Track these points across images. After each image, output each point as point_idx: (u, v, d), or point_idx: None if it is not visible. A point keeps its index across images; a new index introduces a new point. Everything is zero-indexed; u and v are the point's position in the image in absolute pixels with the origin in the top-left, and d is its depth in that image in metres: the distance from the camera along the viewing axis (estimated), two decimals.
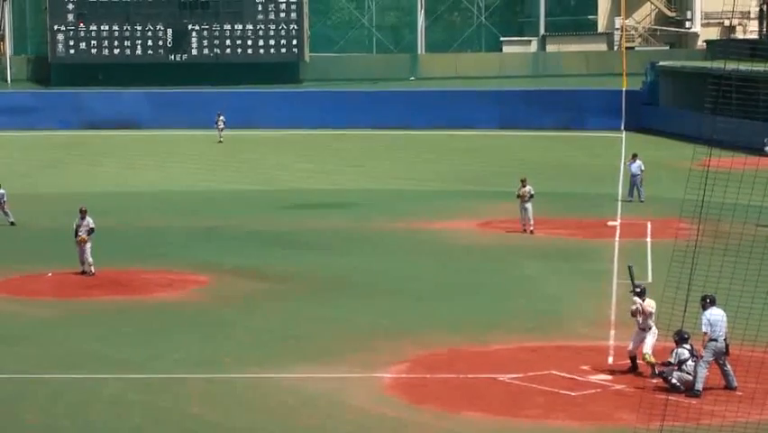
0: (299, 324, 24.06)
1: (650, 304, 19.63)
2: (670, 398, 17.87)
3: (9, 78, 79.24)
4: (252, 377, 20.12)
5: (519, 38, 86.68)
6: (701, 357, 18.47)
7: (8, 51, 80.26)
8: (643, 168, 40.94)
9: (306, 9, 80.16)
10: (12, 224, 36.23)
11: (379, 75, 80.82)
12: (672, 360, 18.69)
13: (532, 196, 34.27)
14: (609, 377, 19.85)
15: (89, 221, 28.50)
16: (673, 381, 18.61)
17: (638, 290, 19.93)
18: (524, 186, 34.37)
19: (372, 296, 26.72)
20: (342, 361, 20.99)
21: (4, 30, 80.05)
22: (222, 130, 64.02)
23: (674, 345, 18.71)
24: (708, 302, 18.53)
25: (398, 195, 44.34)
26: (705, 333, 18.41)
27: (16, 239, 34.83)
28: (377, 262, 30.97)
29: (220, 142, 63.34)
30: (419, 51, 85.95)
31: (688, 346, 18.62)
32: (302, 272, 29.34)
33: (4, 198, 36.47)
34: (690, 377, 18.50)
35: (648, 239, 33.03)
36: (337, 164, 55.22)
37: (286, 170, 52.78)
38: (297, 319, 24.45)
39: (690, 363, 18.55)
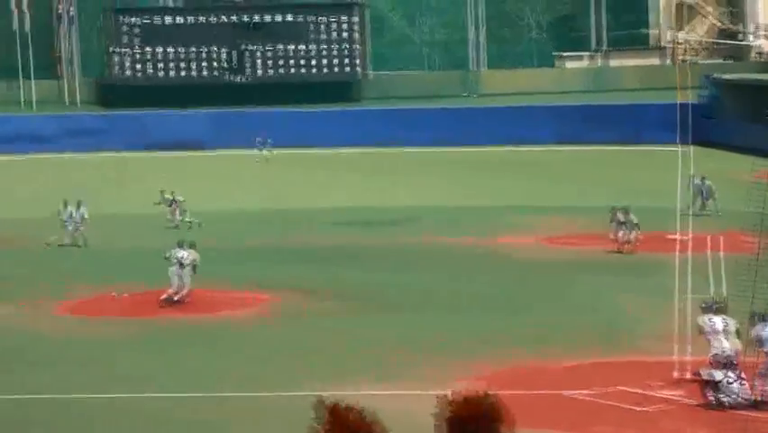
0: (361, 340, 24.25)
1: (722, 320, 19.27)
2: (749, 414, 17.65)
3: (77, 101, 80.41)
4: (320, 394, 20.26)
5: (573, 53, 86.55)
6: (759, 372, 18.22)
7: (75, 74, 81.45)
8: (709, 182, 41.19)
9: (363, 28, 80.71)
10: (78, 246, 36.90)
11: (436, 92, 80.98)
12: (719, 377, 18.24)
13: (636, 224, 34.33)
14: (680, 392, 19.66)
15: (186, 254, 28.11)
16: (724, 398, 18.22)
17: (709, 305, 19.64)
18: (626, 214, 34.47)
19: (434, 312, 26.88)
20: (408, 377, 21.13)
21: (71, 53, 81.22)
22: (264, 150, 64.91)
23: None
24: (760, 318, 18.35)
25: (457, 211, 44.46)
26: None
27: (87, 259, 35.38)
28: (436, 278, 31.13)
29: (262, 161, 64.10)
30: (474, 67, 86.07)
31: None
32: (363, 289, 29.57)
33: (83, 217, 37.19)
34: (738, 395, 18.11)
35: (710, 252, 32.90)
36: (396, 181, 55.44)
37: (345, 188, 53.08)
38: (359, 336, 24.65)
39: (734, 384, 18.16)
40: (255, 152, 64.99)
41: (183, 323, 26.33)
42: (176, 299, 27.52)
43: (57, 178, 58.61)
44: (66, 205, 37.59)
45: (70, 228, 37.35)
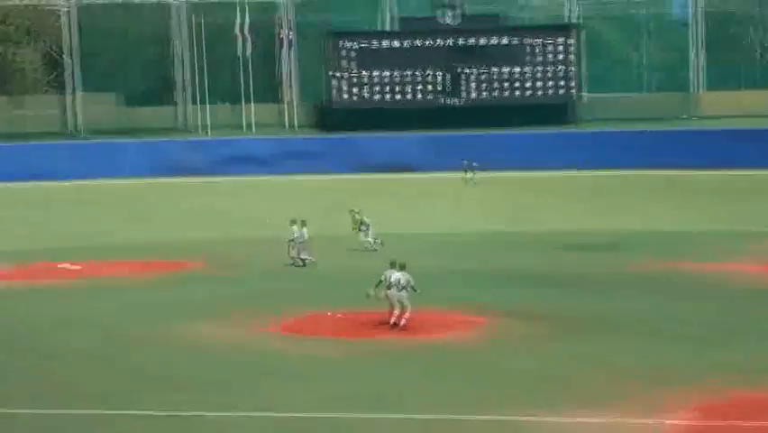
0: (567, 365, 23.85)
1: None
2: None
3: (295, 124, 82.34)
4: (526, 420, 20.05)
5: None
6: None
7: (294, 98, 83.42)
8: None
9: (580, 50, 79.98)
10: (298, 265, 37.63)
11: (653, 114, 79.61)
12: None
13: None
14: None
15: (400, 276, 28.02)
16: None
17: None
18: None
19: (651, 338, 26.22)
20: (624, 405, 20.65)
21: (290, 77, 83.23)
22: (469, 173, 64.94)
23: None
24: None
25: (673, 236, 43.47)
26: None
27: (306, 279, 36.02)
28: (654, 303, 30.40)
29: (474, 184, 64.11)
30: (695, 90, 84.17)
31: None
32: (580, 314, 29.13)
33: (302, 239, 37.96)
34: None
35: None
36: (610, 205, 54.63)
37: (557, 212, 52.61)
38: (565, 360, 24.24)
39: None
40: (462, 174, 65.23)
41: (396, 344, 26.42)
42: (402, 322, 27.62)
43: (276, 199, 60.06)
44: (293, 224, 38.34)
45: (294, 248, 38.19)
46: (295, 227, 38.18)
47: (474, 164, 65.50)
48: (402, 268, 28.01)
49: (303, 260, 37.81)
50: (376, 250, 40.02)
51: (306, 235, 38.09)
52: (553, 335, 27.11)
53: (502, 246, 42.25)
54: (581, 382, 22.40)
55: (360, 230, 41.40)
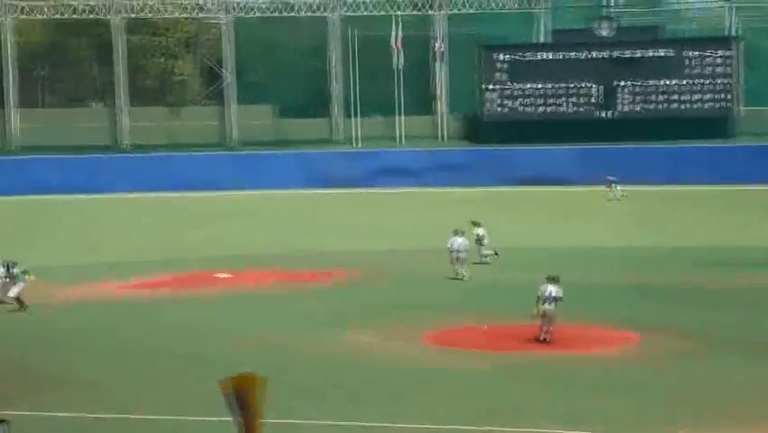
0: (712, 382, 23.44)
1: None
2: None
3: (445, 136, 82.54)
4: None
5: None
6: None
7: (444, 110, 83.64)
8: None
9: (739, 62, 78.35)
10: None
11: None
12: None
13: None
14: None
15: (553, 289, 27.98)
16: None
17: None
18: None
19: None
20: (763, 423, 20.21)
21: (441, 90, 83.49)
22: (612, 188, 64.18)
23: None
24: None
25: None
26: None
27: (458, 290, 36.09)
28: None
29: (618, 200, 63.29)
30: None
31: None
32: (735, 332, 28.62)
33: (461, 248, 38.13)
34: None
35: None
36: (763, 220, 53.37)
37: (708, 226, 51.68)
38: (711, 378, 23.84)
39: None
40: (606, 188, 64.52)
41: (546, 359, 26.31)
42: (548, 337, 27.51)
43: (424, 210, 60.30)
44: (456, 234, 38.42)
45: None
46: (456, 237, 38.22)
47: (613, 178, 64.78)
48: (556, 281, 27.91)
49: (457, 271, 37.79)
50: (488, 263, 39.89)
51: (463, 246, 38.13)
52: (699, 351, 26.67)
53: (651, 261, 41.66)
54: (726, 400, 21.99)
55: (481, 244, 41.16)
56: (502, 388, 23.67)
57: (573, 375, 24.60)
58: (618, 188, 64.63)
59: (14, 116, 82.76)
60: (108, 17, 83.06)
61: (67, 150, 78.79)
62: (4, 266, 34.35)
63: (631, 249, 45.33)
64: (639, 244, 46.78)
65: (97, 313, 33.01)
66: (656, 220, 55.16)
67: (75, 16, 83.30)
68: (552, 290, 27.56)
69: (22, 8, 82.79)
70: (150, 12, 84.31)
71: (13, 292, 33.71)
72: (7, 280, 34.15)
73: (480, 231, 41.21)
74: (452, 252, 37.90)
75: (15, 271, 34.04)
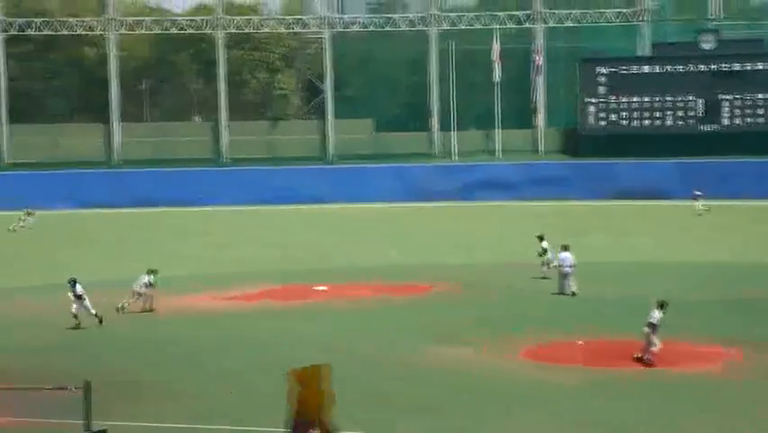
0: None
1: None
2: None
3: (542, 150, 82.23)
4: None
5: None
6: None
7: (541, 124, 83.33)
8: None
9: None
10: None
11: None
12: None
13: None
14: None
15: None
16: None
17: None
18: None
19: None
20: None
21: (540, 103, 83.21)
22: (698, 203, 63.49)
23: None
24: None
25: None
26: None
27: (553, 304, 35.94)
28: None
29: (700, 215, 62.51)
30: None
31: None
32: None
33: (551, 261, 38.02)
34: None
35: None
36: None
37: None
38: None
39: None
40: (692, 203, 63.85)
41: (640, 375, 26.08)
42: (646, 357, 27.24)
43: (521, 224, 60.02)
44: (564, 249, 38.27)
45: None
46: (551, 252, 38.09)
47: (699, 193, 64.14)
48: (662, 307, 27.53)
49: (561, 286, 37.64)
50: (547, 278, 39.59)
51: (553, 259, 37.98)
52: None
53: (740, 277, 41.04)
54: None
55: (540, 255, 40.83)
56: (591, 403, 23.46)
57: (665, 391, 24.32)
58: (700, 202, 63.93)
59: (118, 130, 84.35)
60: (211, 32, 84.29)
61: (168, 163, 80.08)
62: (147, 275, 35.86)
63: (718, 265, 44.69)
64: (732, 259, 46.08)
65: (198, 324, 33.43)
66: (747, 236, 54.31)
67: (178, 31, 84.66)
68: (655, 313, 27.32)
69: (126, 23, 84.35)
70: (252, 28, 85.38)
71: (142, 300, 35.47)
72: (144, 290, 35.62)
73: (545, 245, 40.97)
74: (560, 267, 37.70)
75: (152, 279, 35.73)
